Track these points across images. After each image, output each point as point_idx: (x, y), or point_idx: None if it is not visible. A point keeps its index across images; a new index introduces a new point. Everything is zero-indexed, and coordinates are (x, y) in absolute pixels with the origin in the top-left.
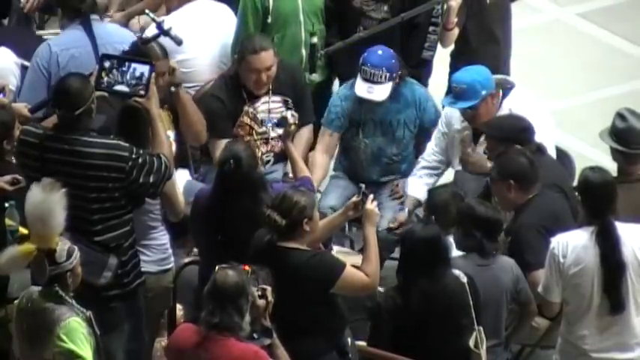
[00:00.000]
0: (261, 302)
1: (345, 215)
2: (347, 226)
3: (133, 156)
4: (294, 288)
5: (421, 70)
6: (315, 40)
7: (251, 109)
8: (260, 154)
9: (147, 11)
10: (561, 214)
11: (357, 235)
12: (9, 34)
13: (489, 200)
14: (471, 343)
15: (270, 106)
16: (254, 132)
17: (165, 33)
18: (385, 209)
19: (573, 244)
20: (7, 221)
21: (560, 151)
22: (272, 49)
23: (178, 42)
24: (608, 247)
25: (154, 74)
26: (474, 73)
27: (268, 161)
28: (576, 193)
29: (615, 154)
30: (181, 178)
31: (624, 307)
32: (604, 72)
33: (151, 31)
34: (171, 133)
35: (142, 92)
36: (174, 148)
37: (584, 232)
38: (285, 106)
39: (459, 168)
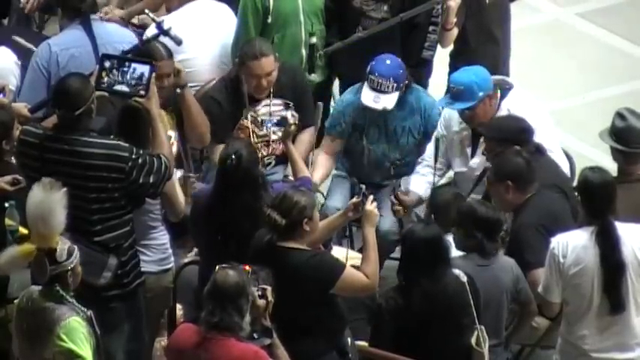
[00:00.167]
0: (261, 302)
1: (345, 216)
2: (347, 226)
3: (133, 156)
4: (294, 288)
5: (421, 69)
6: (314, 40)
7: (252, 112)
8: (261, 156)
9: (146, 11)
10: (560, 214)
11: (357, 235)
12: (9, 34)
13: (490, 201)
14: (473, 341)
15: (271, 109)
16: (255, 135)
17: (165, 33)
18: (385, 210)
19: (573, 244)
20: (7, 221)
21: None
22: (272, 54)
23: (178, 42)
24: (608, 247)
25: (154, 74)
26: (472, 74)
27: (269, 164)
28: (576, 193)
29: (615, 153)
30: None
31: (624, 307)
32: (603, 72)
33: (150, 31)
34: (173, 133)
35: (142, 92)
36: (175, 148)
37: (584, 232)
38: (286, 109)
39: (459, 169)
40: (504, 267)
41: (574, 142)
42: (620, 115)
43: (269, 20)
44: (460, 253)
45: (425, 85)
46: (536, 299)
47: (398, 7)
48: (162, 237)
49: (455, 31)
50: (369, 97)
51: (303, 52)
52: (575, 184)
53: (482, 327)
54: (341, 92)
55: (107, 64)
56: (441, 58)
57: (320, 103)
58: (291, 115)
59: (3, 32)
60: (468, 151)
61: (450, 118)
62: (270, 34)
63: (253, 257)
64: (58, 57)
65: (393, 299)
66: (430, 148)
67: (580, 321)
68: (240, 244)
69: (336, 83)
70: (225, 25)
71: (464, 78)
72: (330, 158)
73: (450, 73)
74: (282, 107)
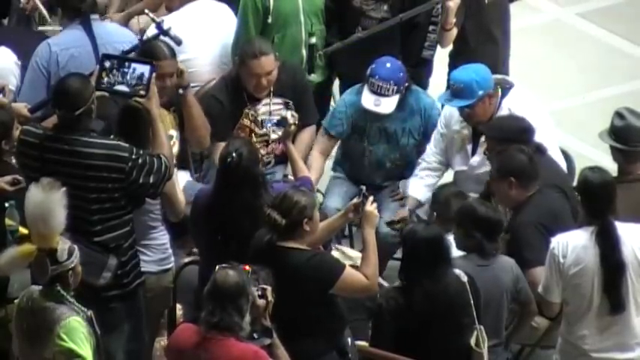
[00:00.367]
0: (261, 302)
1: (346, 217)
2: (347, 226)
3: (133, 156)
4: (294, 288)
5: (421, 69)
6: (313, 40)
7: (252, 112)
8: (260, 155)
9: (146, 11)
10: (560, 213)
11: (357, 235)
12: (9, 34)
13: (490, 200)
14: (472, 341)
15: (271, 108)
16: (254, 134)
17: (165, 33)
18: (385, 211)
19: (573, 244)
20: (7, 221)
21: (560, 151)
22: (272, 53)
23: (178, 42)
24: (608, 247)
25: (154, 74)
26: (472, 73)
27: (269, 162)
28: (576, 193)
29: (615, 153)
30: (182, 178)
31: (624, 307)
32: (604, 72)
33: (150, 31)
34: (174, 133)
35: (143, 92)
36: (177, 147)
37: (584, 232)
38: (286, 108)
39: (459, 168)
40: (504, 267)
41: (574, 142)
42: (619, 114)
43: (269, 20)
44: (461, 253)
45: (425, 85)
46: (536, 299)
47: (398, 7)
48: (162, 237)
49: (454, 31)
50: (369, 101)
51: (304, 52)
52: (575, 184)
53: (482, 327)
54: (341, 92)
55: (107, 64)
56: (441, 58)
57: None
58: (291, 115)
59: (3, 32)
60: (469, 148)
61: (450, 117)
62: (271, 34)
63: (253, 257)
64: (57, 57)
65: (393, 299)
66: (431, 147)
67: (580, 321)
68: (241, 244)
69: (336, 83)
70: (225, 25)
71: (464, 76)
72: (322, 157)
73: (449, 73)
74: (282, 106)
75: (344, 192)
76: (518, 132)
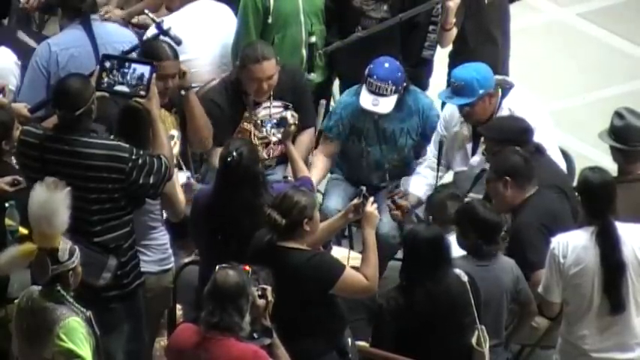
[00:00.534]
0: (261, 302)
1: (346, 218)
2: (347, 227)
3: (133, 157)
4: (294, 288)
5: (421, 69)
6: (313, 39)
7: (252, 115)
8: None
9: (146, 11)
10: (560, 214)
11: (357, 235)
12: (9, 34)
13: (489, 201)
14: (474, 341)
15: (271, 112)
16: (254, 137)
17: (165, 33)
18: (384, 211)
19: (573, 244)
20: (7, 221)
21: (560, 151)
22: (274, 57)
23: (178, 42)
24: (609, 247)
25: (155, 75)
26: (473, 71)
27: (269, 166)
28: (576, 194)
29: (615, 153)
30: (182, 178)
31: (624, 307)
32: (603, 72)
33: (150, 31)
34: (176, 133)
35: (143, 93)
36: (178, 147)
37: (584, 233)
38: (286, 109)
39: (459, 169)
40: (504, 267)
41: (574, 142)
42: (618, 114)
43: (269, 20)
44: (461, 253)
45: (425, 85)
46: (537, 299)
47: (398, 7)
48: (162, 237)
49: (454, 32)
50: (367, 101)
51: (304, 52)
52: (575, 184)
53: (483, 327)
54: (341, 92)
55: (107, 64)
56: (441, 58)
57: (323, 102)
58: (291, 115)
59: (3, 32)
60: (468, 147)
61: (450, 119)
62: (271, 34)
63: (253, 257)
64: (57, 57)
65: (394, 299)
66: (432, 149)
67: (580, 321)
68: (241, 243)
69: (336, 83)
70: (225, 25)
71: (465, 74)
72: (328, 159)
73: (449, 73)
74: (281, 109)
75: (343, 193)
76: (517, 133)
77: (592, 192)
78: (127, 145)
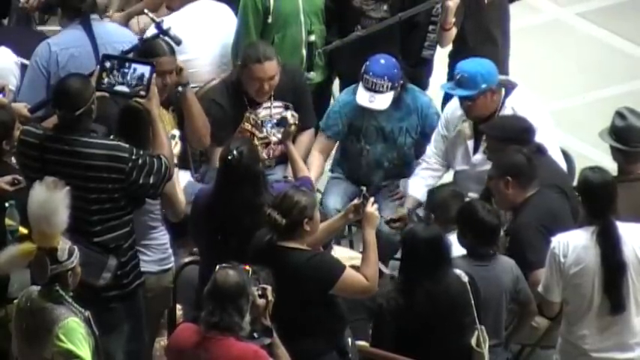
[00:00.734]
0: (261, 302)
1: (346, 218)
2: (347, 227)
3: (133, 157)
4: (294, 288)
5: (421, 69)
6: (312, 38)
7: (252, 116)
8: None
9: (146, 11)
10: (560, 213)
11: (357, 235)
12: (9, 33)
13: (490, 202)
14: (473, 342)
15: (271, 112)
16: (255, 138)
17: (165, 33)
18: (384, 210)
19: (574, 243)
20: (7, 221)
21: (561, 151)
22: (276, 58)
23: (177, 42)
24: (609, 246)
25: (154, 75)
26: (478, 65)
27: (269, 166)
28: (576, 193)
29: (615, 153)
30: (182, 178)
31: (625, 307)
32: (604, 72)
33: (150, 31)
34: (177, 132)
35: (143, 93)
36: (179, 147)
37: (584, 232)
38: (286, 109)
39: (460, 168)
40: (504, 267)
41: (574, 142)
42: (619, 114)
43: (269, 20)
44: (461, 253)
45: (425, 85)
46: (537, 299)
47: (398, 7)
48: (162, 237)
49: (454, 31)
50: (364, 97)
51: (304, 52)
52: (575, 184)
53: (483, 327)
54: (341, 92)
55: (108, 64)
56: (441, 58)
57: None
58: (291, 115)
59: (3, 32)
60: (470, 145)
61: (451, 118)
62: (271, 34)
63: (253, 257)
64: (57, 57)
65: (394, 299)
66: (431, 148)
67: (580, 321)
68: (241, 242)
69: (336, 83)
70: (225, 25)
71: (470, 67)
72: (323, 158)
73: (449, 73)
74: (282, 109)
75: (343, 192)
76: (519, 132)
77: (592, 192)
78: (127, 145)
